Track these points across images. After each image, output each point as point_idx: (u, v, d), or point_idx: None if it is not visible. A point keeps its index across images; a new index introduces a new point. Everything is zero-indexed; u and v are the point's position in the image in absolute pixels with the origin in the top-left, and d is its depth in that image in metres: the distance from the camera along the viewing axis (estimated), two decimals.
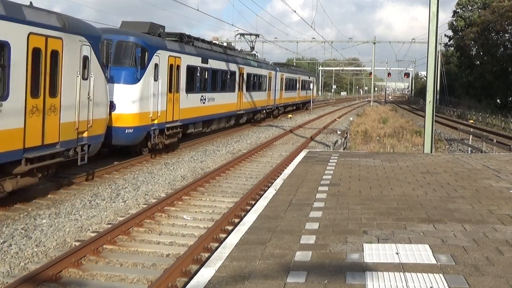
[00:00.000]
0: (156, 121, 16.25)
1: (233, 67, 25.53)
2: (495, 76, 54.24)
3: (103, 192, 11.72)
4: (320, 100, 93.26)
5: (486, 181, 10.16)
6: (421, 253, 5.64)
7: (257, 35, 34.82)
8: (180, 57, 18.23)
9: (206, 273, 5.01)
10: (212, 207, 10.82)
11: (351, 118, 41.86)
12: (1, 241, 8.08)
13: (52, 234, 8.59)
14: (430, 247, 5.84)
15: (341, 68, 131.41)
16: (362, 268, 5.16)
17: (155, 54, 16.22)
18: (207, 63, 21.37)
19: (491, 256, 5.52)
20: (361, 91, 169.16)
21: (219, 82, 23.46)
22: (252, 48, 34.38)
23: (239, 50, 33.83)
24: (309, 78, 53.67)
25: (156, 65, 16.28)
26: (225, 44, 33.95)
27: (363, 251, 5.68)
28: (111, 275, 7.02)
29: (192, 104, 19.65)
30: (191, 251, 7.54)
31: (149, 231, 9.04)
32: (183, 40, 19.73)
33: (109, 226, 9.04)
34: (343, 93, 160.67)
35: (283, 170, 12.00)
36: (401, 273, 5.04)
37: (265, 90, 33.41)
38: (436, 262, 5.34)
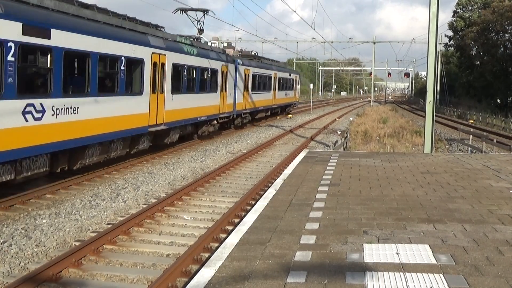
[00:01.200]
0: None
1: (137, 52, 14.88)
2: (495, 76, 54.29)
3: (103, 192, 11.71)
4: (321, 100, 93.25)
5: (486, 181, 10.16)
6: (421, 253, 5.64)
7: (205, 11, 23.03)
8: None
9: (206, 273, 5.01)
10: (212, 207, 10.82)
11: (351, 118, 41.85)
12: (1, 241, 8.07)
13: (52, 234, 8.58)
14: (430, 247, 5.84)
15: (341, 68, 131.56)
16: (362, 268, 5.16)
17: None
18: (49, 38, 10.85)
19: (491, 256, 5.52)
20: (361, 91, 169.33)
21: (94, 77, 12.67)
22: (201, 30, 22.96)
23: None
24: (290, 75, 42.76)
25: None
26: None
27: (363, 251, 5.68)
28: (111, 275, 7.02)
29: None
30: (191, 251, 7.54)
31: (149, 231, 9.04)
32: None
33: (109, 226, 9.03)
34: (343, 93, 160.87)
35: (283, 170, 12.01)
36: (401, 273, 5.04)
37: (216, 91, 22.67)
38: (436, 262, 5.34)
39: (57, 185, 11.94)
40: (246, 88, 28.27)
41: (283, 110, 41.99)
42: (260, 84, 32.00)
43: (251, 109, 29.94)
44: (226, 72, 24.31)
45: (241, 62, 27.37)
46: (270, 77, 34.66)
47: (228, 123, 26.47)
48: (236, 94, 26.05)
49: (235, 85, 25.91)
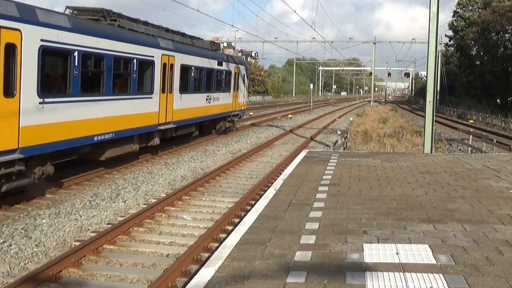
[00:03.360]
0: None
1: None
2: (495, 76, 54.34)
3: (103, 192, 11.71)
4: (321, 100, 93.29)
5: (486, 181, 10.16)
6: (421, 253, 5.64)
7: None
8: None
9: (206, 273, 5.01)
10: (212, 207, 10.82)
11: (351, 118, 41.87)
12: (1, 241, 8.08)
13: (52, 234, 8.58)
14: (430, 247, 5.84)
15: (341, 68, 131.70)
16: (362, 268, 5.15)
17: None
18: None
19: (491, 256, 5.52)
20: (361, 91, 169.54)
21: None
22: None
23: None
24: (221, 65, 23.08)
25: None
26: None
27: (363, 251, 5.68)
28: (111, 275, 7.02)
29: None
30: (191, 251, 7.54)
31: (149, 231, 9.04)
32: None
33: (109, 226, 9.03)
34: (343, 93, 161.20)
35: (283, 170, 12.00)
36: (401, 273, 5.04)
37: None
38: (436, 262, 5.34)
39: (57, 185, 11.94)
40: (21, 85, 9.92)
41: (209, 127, 23.42)
42: (105, 78, 13.31)
43: (63, 143, 11.46)
44: None
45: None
46: (148, 64, 15.72)
47: None
48: None
49: None
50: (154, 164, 15.83)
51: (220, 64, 23.05)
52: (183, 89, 18.57)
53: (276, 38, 72.53)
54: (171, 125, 17.53)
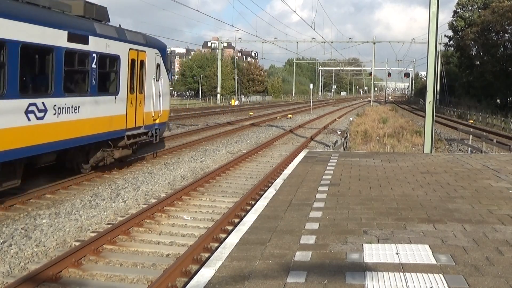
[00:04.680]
0: None
1: None
2: (495, 76, 54.34)
3: (103, 192, 11.71)
4: (321, 100, 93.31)
5: (486, 181, 10.16)
6: (421, 253, 5.64)
7: None
8: None
9: (206, 273, 5.01)
10: (212, 207, 10.82)
11: (351, 118, 41.89)
12: (1, 241, 8.07)
13: (52, 234, 8.58)
14: (430, 247, 5.84)
15: (341, 68, 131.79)
16: (362, 268, 5.16)
17: None
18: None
19: (491, 256, 5.52)
20: (361, 91, 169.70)
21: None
22: None
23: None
24: (89, 42, 11.82)
25: None
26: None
27: (363, 251, 5.68)
28: (111, 275, 7.02)
29: None
30: (191, 251, 7.54)
31: (149, 231, 9.04)
32: None
33: (109, 226, 9.03)
34: (343, 93, 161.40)
35: (283, 170, 12.01)
36: (401, 273, 5.04)
37: None
38: (436, 262, 5.34)
39: (57, 185, 11.94)
40: None
41: (72, 161, 12.72)
42: None
43: None
44: None
45: None
46: None
47: None
48: None
49: None
50: (154, 164, 15.83)
51: (81, 40, 11.76)
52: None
53: (276, 38, 72.63)
54: None
